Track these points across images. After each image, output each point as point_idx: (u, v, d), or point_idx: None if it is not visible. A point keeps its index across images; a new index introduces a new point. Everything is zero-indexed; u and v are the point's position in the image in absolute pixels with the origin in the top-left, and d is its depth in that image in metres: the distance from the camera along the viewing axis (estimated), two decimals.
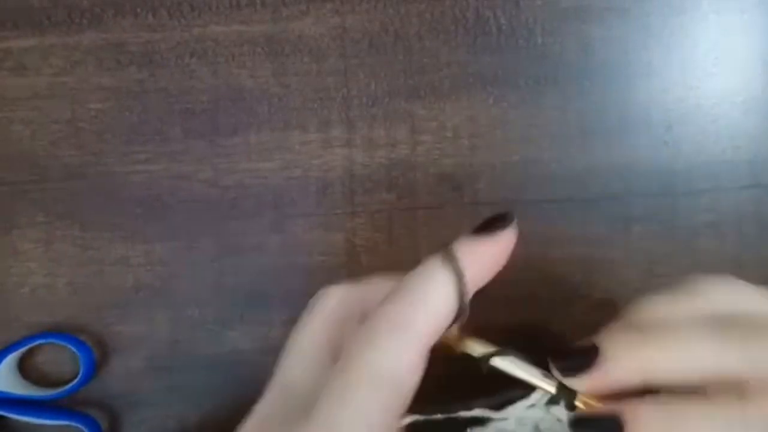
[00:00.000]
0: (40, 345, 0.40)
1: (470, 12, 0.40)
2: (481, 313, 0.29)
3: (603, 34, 0.40)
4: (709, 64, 0.40)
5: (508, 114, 0.40)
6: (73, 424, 0.39)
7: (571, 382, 0.25)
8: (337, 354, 0.24)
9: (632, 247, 0.40)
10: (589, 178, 0.40)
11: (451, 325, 0.26)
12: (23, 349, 0.40)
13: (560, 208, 0.39)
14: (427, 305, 0.24)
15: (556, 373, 0.26)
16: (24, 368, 0.41)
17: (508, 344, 0.28)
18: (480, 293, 0.27)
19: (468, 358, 0.28)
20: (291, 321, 0.40)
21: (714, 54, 0.40)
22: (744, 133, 0.40)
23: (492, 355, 0.27)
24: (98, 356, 0.40)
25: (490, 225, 0.27)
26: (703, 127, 0.40)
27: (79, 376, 0.39)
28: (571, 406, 0.26)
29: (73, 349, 0.39)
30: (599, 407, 0.25)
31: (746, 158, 0.40)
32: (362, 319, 0.25)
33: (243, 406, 0.41)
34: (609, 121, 0.40)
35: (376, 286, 0.29)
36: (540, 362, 0.27)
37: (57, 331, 0.41)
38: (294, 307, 0.41)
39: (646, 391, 0.24)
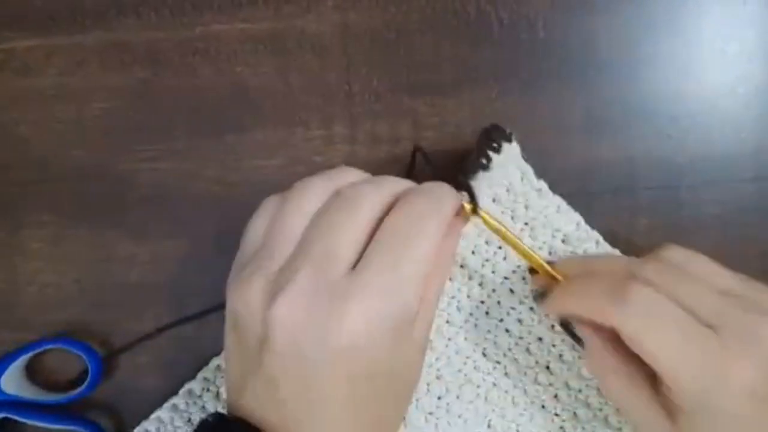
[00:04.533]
0: (48, 348, 0.41)
1: (471, 7, 0.40)
2: None
3: (606, 26, 0.40)
4: (713, 56, 0.40)
5: (510, 108, 0.40)
6: (80, 429, 0.40)
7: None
8: None
9: (636, 241, 0.40)
10: (593, 171, 0.40)
11: None
12: (32, 353, 0.40)
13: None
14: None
15: None
16: (32, 371, 0.42)
17: None
18: None
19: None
20: None
21: (718, 45, 0.40)
22: (748, 126, 0.39)
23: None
24: (105, 353, 0.41)
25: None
26: (708, 119, 0.40)
27: (87, 383, 0.39)
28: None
29: (83, 356, 0.39)
30: None
31: (750, 150, 0.40)
32: None
33: None
34: (613, 113, 0.40)
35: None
36: None
37: (64, 329, 0.41)
38: None
39: None
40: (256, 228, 0.31)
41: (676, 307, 0.29)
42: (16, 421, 0.40)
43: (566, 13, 0.40)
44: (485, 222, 0.33)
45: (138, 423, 0.40)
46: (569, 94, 0.40)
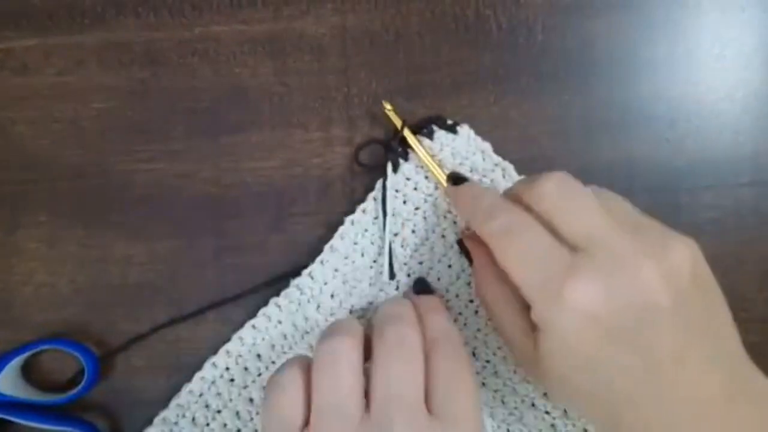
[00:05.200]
0: (44, 349, 0.40)
1: (470, 10, 0.40)
2: None
3: (605, 31, 0.40)
4: (711, 61, 0.40)
5: (509, 112, 0.40)
6: (75, 430, 0.39)
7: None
8: None
9: None
10: (592, 174, 0.40)
11: None
12: (28, 354, 0.40)
13: None
14: None
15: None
16: (28, 371, 0.41)
17: None
18: None
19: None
20: None
21: (716, 50, 0.40)
22: (745, 129, 0.40)
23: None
24: (101, 354, 0.40)
25: None
26: (706, 123, 0.40)
27: (83, 383, 0.39)
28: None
29: (79, 356, 0.39)
30: None
31: (747, 154, 0.40)
32: None
33: None
34: (611, 117, 0.40)
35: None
36: None
37: (60, 330, 0.41)
38: None
39: None
40: (290, 400, 0.30)
41: (537, 226, 0.30)
42: (11, 422, 0.39)
43: (565, 17, 0.40)
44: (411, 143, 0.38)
45: (134, 424, 0.40)
46: (567, 97, 0.40)
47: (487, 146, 0.39)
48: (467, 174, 0.38)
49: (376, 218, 0.39)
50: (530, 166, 0.39)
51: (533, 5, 0.40)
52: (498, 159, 0.39)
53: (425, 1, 0.40)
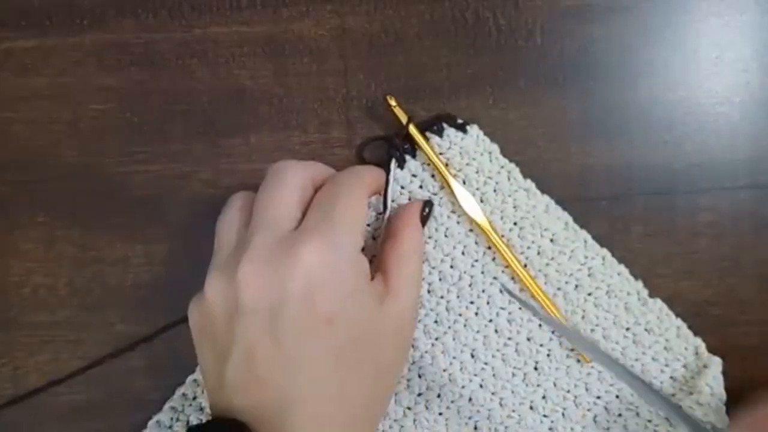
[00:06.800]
0: None
1: (470, 13, 0.40)
2: None
3: (603, 34, 0.40)
4: (709, 64, 0.40)
5: (507, 114, 0.40)
6: None
7: None
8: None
9: (632, 247, 0.40)
10: (590, 177, 0.40)
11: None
12: None
13: (561, 208, 0.39)
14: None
15: None
16: None
17: None
18: None
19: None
20: None
21: (714, 54, 0.40)
22: (743, 133, 0.40)
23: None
24: (99, 356, 0.40)
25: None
26: (704, 127, 0.40)
27: None
28: None
29: None
30: None
31: (745, 158, 0.40)
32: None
33: None
34: (609, 120, 0.40)
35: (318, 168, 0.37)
36: None
37: (57, 330, 0.41)
38: None
39: None
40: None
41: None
42: None
43: (564, 20, 0.40)
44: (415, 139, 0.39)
45: (134, 424, 0.40)
46: (566, 100, 0.40)
47: (494, 147, 0.39)
48: (473, 175, 0.39)
49: (379, 214, 0.39)
50: (530, 167, 0.39)
51: (532, 8, 0.40)
52: (504, 161, 0.39)
53: (424, 4, 0.40)
